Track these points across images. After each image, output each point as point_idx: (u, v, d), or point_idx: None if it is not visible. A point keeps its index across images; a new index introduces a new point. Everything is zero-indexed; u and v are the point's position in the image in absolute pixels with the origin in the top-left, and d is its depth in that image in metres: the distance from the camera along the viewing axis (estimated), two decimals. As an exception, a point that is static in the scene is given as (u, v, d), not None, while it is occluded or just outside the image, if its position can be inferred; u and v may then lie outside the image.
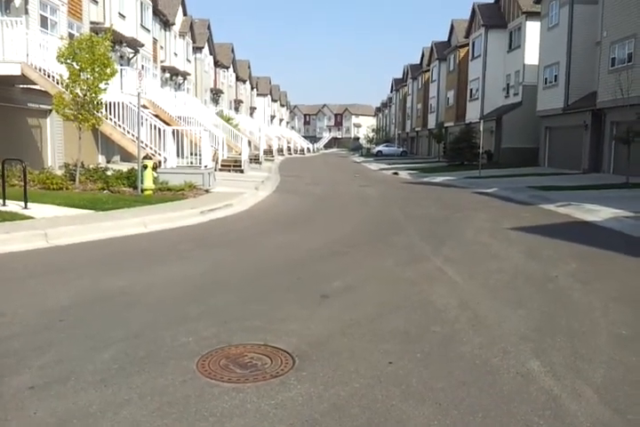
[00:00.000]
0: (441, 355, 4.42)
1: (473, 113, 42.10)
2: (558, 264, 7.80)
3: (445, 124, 48.75)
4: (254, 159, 32.57)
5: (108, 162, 23.67)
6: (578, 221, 12.26)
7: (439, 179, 25.84)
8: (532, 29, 34.25)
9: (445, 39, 54.57)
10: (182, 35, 41.80)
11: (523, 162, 32.56)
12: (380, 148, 71.13)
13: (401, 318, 5.29)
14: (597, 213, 12.77)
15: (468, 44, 44.29)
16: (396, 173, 31.38)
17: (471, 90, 43.43)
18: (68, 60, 13.76)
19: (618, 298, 6.14)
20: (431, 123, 55.99)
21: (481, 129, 28.64)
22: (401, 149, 68.85)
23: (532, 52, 34.15)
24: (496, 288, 6.50)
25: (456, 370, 4.14)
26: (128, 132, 17.08)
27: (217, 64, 55.26)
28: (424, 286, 6.51)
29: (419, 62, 67.52)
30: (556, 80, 30.43)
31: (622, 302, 5.96)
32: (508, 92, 38.76)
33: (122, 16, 28.01)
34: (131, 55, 29.05)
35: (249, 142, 33.36)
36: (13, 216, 9.71)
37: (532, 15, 34.30)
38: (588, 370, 4.16)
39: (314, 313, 5.39)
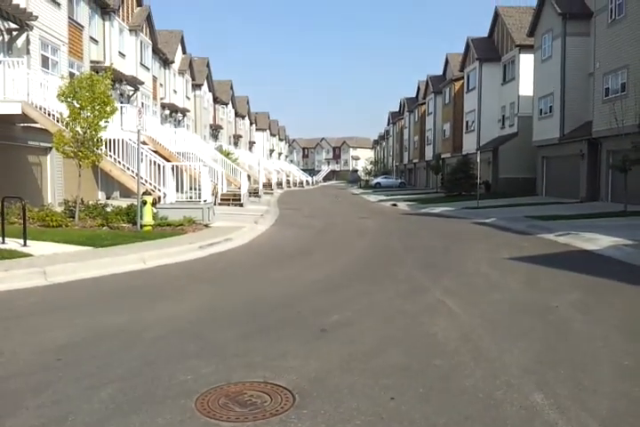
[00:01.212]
0: (443, 389, 4.37)
1: (469, 144, 42.52)
2: (558, 294, 7.76)
3: (442, 156, 49.18)
4: (254, 193, 32.73)
5: (108, 198, 23.78)
6: (577, 250, 12.25)
7: (438, 210, 25.92)
8: (526, 62, 34.93)
9: (440, 73, 55.58)
10: (182, 72, 42.54)
11: (520, 192, 32.74)
12: (378, 179, 71.57)
13: (401, 352, 5.24)
14: (597, 241, 12.78)
15: (462, 77, 45.07)
16: (394, 205, 31.50)
17: (467, 122, 43.98)
18: (69, 99, 13.95)
19: (619, 328, 6.09)
20: (428, 154, 56.48)
21: (478, 160, 28.90)
22: (399, 181, 69.25)
23: (526, 84, 34.74)
24: (497, 320, 6.45)
25: (459, 404, 4.08)
26: (128, 169, 17.21)
27: (216, 100, 56.07)
28: (424, 318, 6.46)
29: (415, 96, 68.59)
30: (551, 111, 30.85)
31: (624, 332, 5.92)
32: (503, 124, 39.24)
33: (122, 55, 28.58)
34: (131, 93, 29.50)
35: (248, 176, 33.57)
36: (12, 254, 9.71)
37: (525, 48, 35.02)
38: (593, 402, 4.11)
39: (313, 348, 5.34)
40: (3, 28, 16.94)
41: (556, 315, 6.65)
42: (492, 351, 5.26)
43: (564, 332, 5.95)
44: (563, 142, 29.23)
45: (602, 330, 5.98)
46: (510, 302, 7.39)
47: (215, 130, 55.22)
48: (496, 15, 39.86)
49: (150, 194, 14.90)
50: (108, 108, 14.25)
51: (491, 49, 40.60)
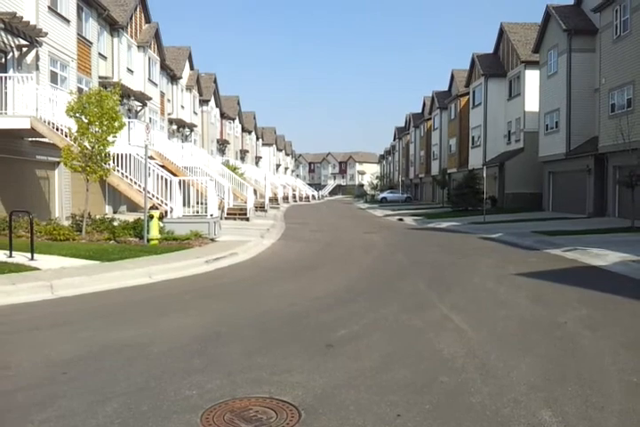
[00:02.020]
0: (450, 406, 4.33)
1: (475, 159, 42.57)
2: (566, 310, 7.71)
3: (448, 171, 49.22)
4: (260, 207, 32.80)
5: (115, 212, 23.90)
6: (585, 266, 12.18)
7: (444, 224, 25.88)
8: (532, 77, 35.07)
9: (446, 88, 55.83)
10: (189, 88, 42.93)
11: (527, 207, 32.68)
12: (384, 194, 71.60)
13: (408, 368, 5.21)
14: (604, 257, 12.71)
15: (468, 93, 45.26)
16: (400, 219, 31.46)
17: (473, 137, 44.07)
18: (77, 114, 14.10)
19: (627, 344, 6.04)
20: (434, 169, 56.55)
21: (484, 175, 28.90)
22: (405, 196, 69.26)
23: (532, 100, 34.84)
24: (504, 336, 6.41)
25: (466, 421, 4.05)
26: (135, 183, 17.32)
27: (223, 116, 56.48)
28: (430, 334, 6.43)
29: (420, 111, 68.85)
30: (557, 126, 30.89)
31: (632, 349, 5.87)
32: (509, 139, 39.30)
33: (130, 71, 28.90)
34: (139, 108, 29.77)
35: (254, 191, 33.70)
36: (19, 268, 9.75)
37: (530, 64, 35.18)
38: (601, 419, 4.07)
39: (319, 364, 5.31)
40: (13, 45, 17.17)
41: (563, 331, 6.60)
42: (499, 368, 5.22)
43: (571, 348, 5.90)
44: (569, 158, 29.22)
45: (610, 346, 5.93)
46: (517, 318, 7.34)
47: (222, 145, 55.54)
48: (501, 31, 40.13)
49: (157, 208, 14.97)
50: (116, 124, 14.38)
51: (496, 65, 40.82)
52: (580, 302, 8.28)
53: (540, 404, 4.34)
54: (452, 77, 53.20)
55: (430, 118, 60.69)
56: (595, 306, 8.06)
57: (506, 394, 4.54)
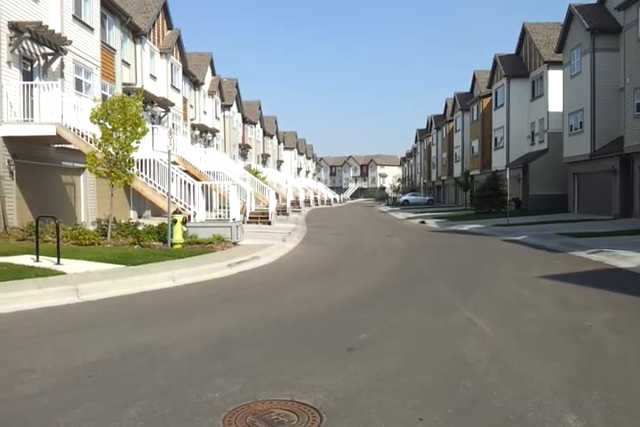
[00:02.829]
0: (473, 410, 4.30)
1: (498, 161, 42.19)
2: (592, 313, 7.60)
3: (471, 173, 48.84)
4: (281, 211, 32.91)
5: (140, 217, 24.19)
6: (611, 268, 11.99)
7: (467, 227, 25.67)
8: (555, 78, 34.66)
9: (468, 90, 55.47)
10: (211, 93, 43.28)
11: (552, 209, 32.27)
12: (406, 197, 71.31)
13: (430, 372, 5.18)
14: (631, 259, 12.50)
15: (490, 94, 44.91)
16: (422, 222, 31.29)
17: (496, 138, 43.69)
18: (101, 121, 14.29)
19: (656, 348, 5.93)
20: (457, 171, 56.17)
21: (507, 177, 28.63)
22: (427, 198, 68.87)
23: (555, 100, 34.44)
24: (528, 339, 6.34)
25: (489, 426, 4.01)
26: (159, 188, 17.50)
27: (245, 121, 56.84)
28: (453, 337, 6.38)
29: (442, 113, 68.50)
30: (581, 126, 30.49)
31: (661, 353, 5.76)
32: (533, 140, 38.89)
33: (153, 77, 29.25)
34: (162, 114, 30.10)
35: (276, 194, 33.81)
36: (46, 272, 9.91)
37: (553, 64, 34.79)
38: (627, 424, 4.00)
39: (341, 367, 5.31)
40: (39, 53, 17.51)
41: (589, 334, 6.51)
42: (523, 372, 5.17)
43: (597, 352, 5.81)
44: (594, 158, 28.80)
45: (636, 350, 5.83)
46: (542, 321, 7.26)
47: (244, 149, 55.87)
48: (523, 32, 39.77)
49: (181, 213, 15.12)
50: (139, 130, 14.54)
51: (518, 65, 40.45)
52: (605, 304, 8.16)
53: (565, 408, 4.28)
54: (474, 79, 52.85)
55: (452, 120, 60.32)
56: (620, 309, 7.92)
57: (530, 398, 4.49)
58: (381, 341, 6.28)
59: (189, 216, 16.73)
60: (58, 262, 10.70)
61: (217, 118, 45.32)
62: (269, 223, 25.23)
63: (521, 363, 5.44)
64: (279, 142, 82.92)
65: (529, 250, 15.98)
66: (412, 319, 7.37)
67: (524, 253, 15.44)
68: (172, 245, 13.96)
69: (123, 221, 16.79)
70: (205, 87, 42.06)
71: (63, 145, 17.45)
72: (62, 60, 18.54)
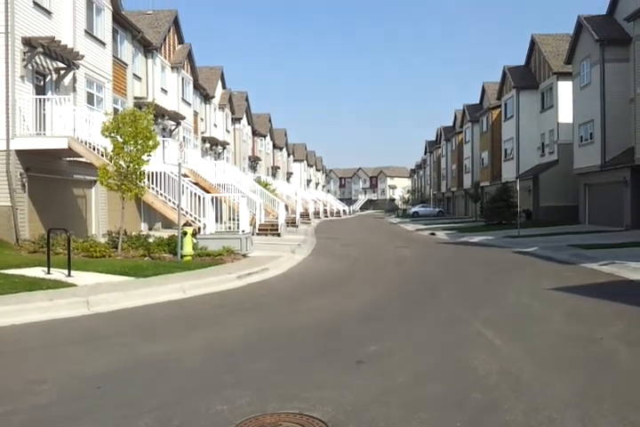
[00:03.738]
0: (482, 423, 4.27)
1: (508, 172, 42.09)
2: (603, 326, 7.53)
3: (481, 184, 48.73)
4: (291, 223, 32.96)
5: (150, 229, 24.30)
6: (622, 280, 11.89)
7: (477, 238, 25.58)
8: (564, 89, 34.62)
9: (477, 101, 55.52)
10: (222, 107, 43.60)
11: (562, 220, 32.09)
12: (416, 208, 71.22)
13: (439, 385, 5.16)
14: (643, 271, 12.38)
15: (499, 106, 44.92)
16: (432, 234, 31.22)
17: (505, 150, 43.63)
18: (113, 134, 14.42)
19: (668, 361, 5.87)
20: (466, 183, 56.06)
21: (517, 188, 28.57)
22: (437, 210, 68.74)
23: (565, 111, 34.38)
24: (538, 352, 6.29)
25: (498, 439, 3.98)
26: (169, 201, 17.61)
27: (255, 133, 57.16)
28: (463, 350, 6.35)
29: (451, 124, 68.55)
30: (591, 138, 30.39)
31: (673, 366, 5.69)
32: (543, 151, 38.80)
33: (164, 91, 29.54)
34: (173, 127, 30.34)
35: (286, 206, 33.88)
36: (57, 284, 9.98)
37: (563, 75, 34.77)
38: (639, 439, 3.95)
39: (349, 380, 5.29)
40: (51, 68, 17.76)
41: (600, 347, 6.46)
42: (534, 385, 5.13)
43: (608, 365, 5.76)
44: (605, 169, 28.67)
45: (649, 363, 5.77)
46: (553, 333, 7.20)
47: (254, 161, 56.14)
48: (532, 43, 39.83)
49: (191, 225, 15.18)
50: (150, 143, 14.66)
51: (528, 77, 40.48)
52: (616, 317, 8.09)
53: (576, 422, 4.24)
54: (484, 90, 52.92)
55: (462, 131, 60.34)
56: (632, 321, 7.85)
57: (540, 411, 4.45)
58: (391, 353, 6.26)
59: (199, 228, 16.80)
60: (69, 275, 10.77)
61: (227, 131, 45.62)
62: (279, 235, 25.27)
63: (531, 376, 5.40)
64: (289, 154, 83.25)
65: (540, 262, 15.89)
66: (421, 332, 7.34)
67: (534, 264, 15.35)
68: (182, 257, 14.01)
69: (133, 234, 16.89)
70: (216, 100, 42.39)
71: (75, 158, 17.62)
72: (74, 74, 18.79)
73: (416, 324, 7.82)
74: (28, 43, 16.10)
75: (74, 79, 18.85)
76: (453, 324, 7.78)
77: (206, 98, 39.34)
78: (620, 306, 8.92)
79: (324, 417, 4.33)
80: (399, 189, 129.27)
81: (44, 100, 16.62)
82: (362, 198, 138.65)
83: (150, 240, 15.88)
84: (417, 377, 5.41)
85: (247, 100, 52.69)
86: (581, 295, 9.97)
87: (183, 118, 30.91)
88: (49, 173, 17.34)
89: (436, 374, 5.50)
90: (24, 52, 16.10)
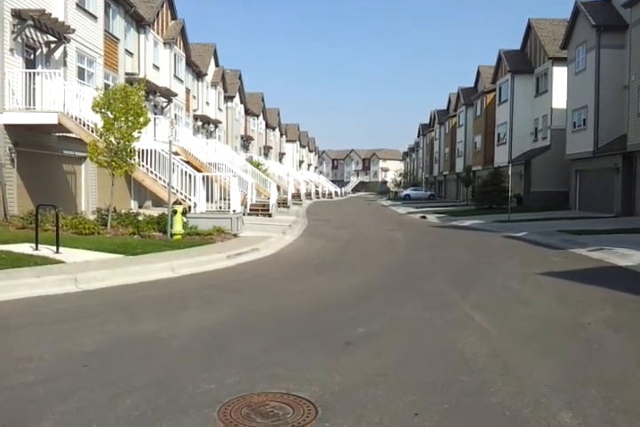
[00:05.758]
0: (469, 406, 4.29)
1: (501, 157, 42.08)
2: (590, 311, 7.58)
3: (473, 168, 48.74)
4: (282, 203, 32.88)
5: (140, 207, 24.16)
6: (611, 266, 11.97)
7: (468, 222, 25.64)
8: (559, 74, 34.49)
9: (472, 85, 55.27)
10: (214, 85, 43.13)
11: (553, 205, 32.21)
12: (407, 191, 71.25)
13: (427, 367, 5.17)
14: (631, 257, 12.47)
15: (494, 90, 44.71)
16: (423, 217, 31.26)
17: (499, 134, 43.56)
18: (103, 110, 14.24)
19: (654, 347, 5.91)
20: (459, 166, 56.07)
21: (509, 173, 28.57)
22: (429, 193, 68.83)
23: (559, 97, 34.29)
24: (526, 336, 6.32)
25: (485, 422, 4.00)
26: (160, 179, 17.48)
27: (247, 112, 56.69)
28: (452, 333, 6.37)
29: (445, 108, 68.31)
30: (584, 124, 30.38)
31: (659, 352, 5.74)
32: (536, 136, 38.76)
33: (156, 67, 29.14)
34: (164, 104, 30.01)
35: (278, 187, 33.76)
36: (45, 261, 9.90)
37: (558, 60, 34.59)
38: (624, 422, 3.99)
39: (337, 361, 5.30)
40: (42, 41, 17.43)
41: (587, 332, 6.49)
42: (521, 368, 5.15)
43: (595, 349, 5.80)
44: (597, 156, 28.72)
45: (635, 348, 5.82)
46: (540, 318, 7.24)
47: (246, 141, 55.77)
48: (529, 28, 39.54)
49: (181, 204, 15.09)
50: (141, 120, 14.49)
51: (523, 61, 40.24)
52: (604, 302, 8.14)
53: (562, 406, 4.27)
54: (479, 74, 52.65)
55: (455, 115, 60.14)
56: (620, 307, 7.91)
57: (527, 395, 4.47)
58: (379, 335, 6.27)
59: (190, 207, 16.71)
60: (57, 251, 10.69)
61: (219, 110, 45.20)
62: (270, 215, 25.22)
63: (519, 359, 5.42)
64: (281, 135, 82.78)
65: (529, 246, 15.96)
66: (410, 314, 7.36)
67: (524, 249, 15.42)
68: (171, 235, 13.95)
69: (123, 211, 16.78)
70: (208, 78, 41.91)
71: (65, 134, 17.41)
72: (65, 48, 18.46)
73: (405, 306, 7.83)
74: (18, 15, 15.77)
75: (64, 53, 18.52)
76: (442, 306, 7.79)
77: (199, 75, 38.88)
78: (608, 292, 8.97)
79: (312, 397, 4.33)
80: (391, 171, 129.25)
81: (34, 73, 16.36)
82: (354, 180, 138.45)
83: (140, 218, 15.79)
84: (405, 359, 5.42)
85: (240, 78, 52.15)
86: (570, 280, 10.03)
87: (175, 95, 30.55)
88: (38, 149, 17.13)
89: (424, 357, 5.51)
90: (14, 25, 15.79)
